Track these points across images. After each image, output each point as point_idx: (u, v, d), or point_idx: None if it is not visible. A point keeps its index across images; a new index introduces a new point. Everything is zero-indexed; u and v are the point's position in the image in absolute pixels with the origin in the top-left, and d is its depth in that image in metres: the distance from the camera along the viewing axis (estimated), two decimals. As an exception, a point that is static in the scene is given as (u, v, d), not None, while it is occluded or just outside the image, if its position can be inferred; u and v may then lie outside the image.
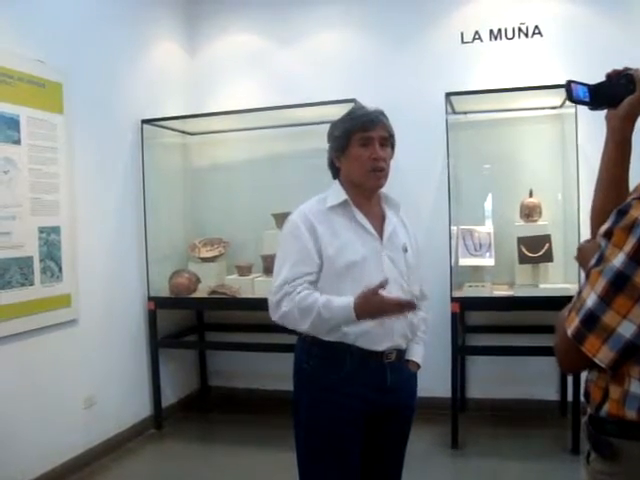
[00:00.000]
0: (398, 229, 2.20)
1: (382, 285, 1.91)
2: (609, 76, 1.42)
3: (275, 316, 2.07)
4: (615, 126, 1.39)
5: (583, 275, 1.20)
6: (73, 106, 3.79)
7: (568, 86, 1.42)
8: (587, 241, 1.29)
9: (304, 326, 2.02)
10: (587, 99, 1.43)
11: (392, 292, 2.06)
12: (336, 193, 2.15)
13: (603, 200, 1.20)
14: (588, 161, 3.56)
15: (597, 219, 1.22)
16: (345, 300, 1.96)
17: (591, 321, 1.14)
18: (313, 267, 2.05)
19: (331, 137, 2.18)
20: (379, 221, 2.17)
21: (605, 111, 1.42)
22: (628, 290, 1.10)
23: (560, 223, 4.33)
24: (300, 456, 2.16)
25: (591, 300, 1.15)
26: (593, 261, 1.17)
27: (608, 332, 1.12)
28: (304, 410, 2.12)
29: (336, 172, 2.21)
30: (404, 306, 1.94)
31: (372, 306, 1.93)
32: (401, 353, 2.15)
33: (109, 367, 4.11)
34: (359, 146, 2.09)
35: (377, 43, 4.78)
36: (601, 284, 1.13)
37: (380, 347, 2.06)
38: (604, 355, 1.14)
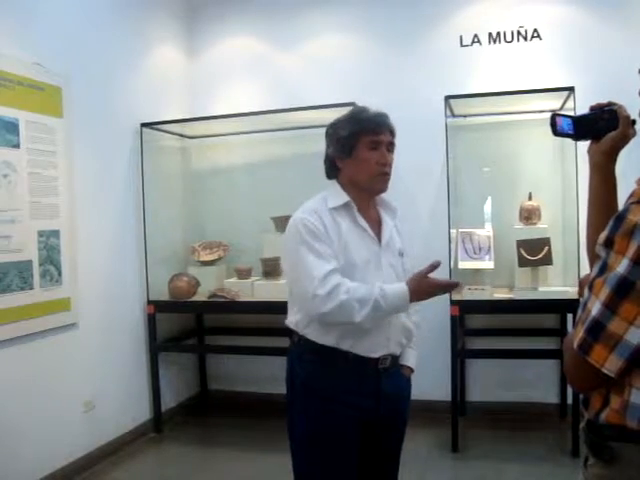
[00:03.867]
0: (394, 233, 2.20)
1: (435, 267, 1.99)
2: (593, 109, 1.43)
3: (325, 308, 1.91)
4: (598, 161, 1.40)
5: (586, 290, 1.18)
6: (72, 110, 3.79)
7: (553, 120, 1.44)
8: (588, 275, 1.25)
9: (359, 317, 1.91)
10: (571, 131, 1.45)
11: None
12: (337, 194, 2.11)
13: (597, 230, 1.19)
14: (587, 164, 3.57)
15: (593, 249, 1.21)
16: (398, 287, 1.97)
17: (596, 330, 1.12)
18: (338, 261, 2.00)
19: (334, 137, 2.12)
20: (376, 224, 2.16)
21: (588, 144, 1.44)
22: (633, 296, 1.08)
23: (559, 226, 4.33)
24: (295, 463, 2.15)
25: (596, 309, 1.12)
26: (595, 272, 1.15)
27: (615, 340, 1.10)
28: (298, 416, 2.11)
29: (334, 172, 2.17)
30: (451, 286, 2.05)
31: (425, 288, 1.97)
32: (395, 359, 2.14)
33: (109, 371, 4.11)
34: (368, 149, 2.05)
35: (376, 46, 4.78)
36: (605, 292, 1.11)
37: (375, 354, 2.05)
38: (612, 364, 1.11)
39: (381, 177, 2.09)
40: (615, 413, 1.18)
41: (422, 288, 1.95)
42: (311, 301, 1.94)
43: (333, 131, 2.14)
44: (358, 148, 2.07)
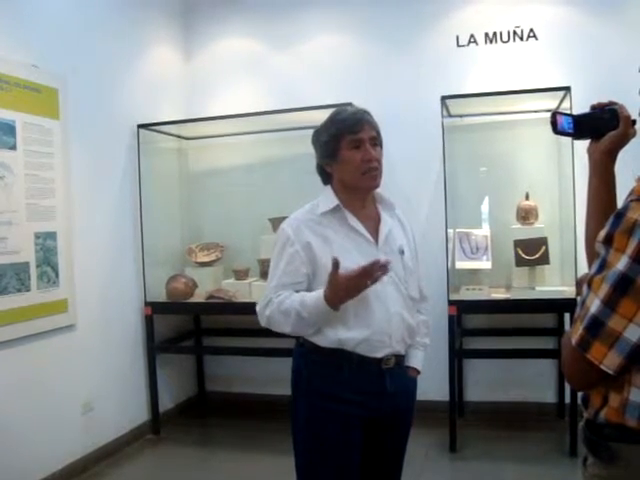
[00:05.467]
0: (394, 230, 2.17)
1: (335, 265, 1.86)
2: (593, 108, 1.44)
3: (262, 322, 2.11)
4: (597, 160, 1.40)
5: (585, 288, 1.18)
6: (69, 111, 3.78)
7: (553, 118, 1.43)
8: (586, 274, 1.26)
9: (288, 328, 2.02)
10: (571, 130, 1.45)
11: (389, 296, 2.05)
12: (327, 199, 2.12)
13: (596, 229, 1.19)
14: (584, 163, 3.57)
15: (592, 248, 1.21)
16: (315, 294, 1.95)
17: (595, 327, 1.12)
18: (299, 277, 2.05)
19: (317, 143, 2.14)
20: (374, 223, 2.13)
21: (585, 144, 1.45)
22: (633, 293, 1.08)
23: (556, 226, 4.33)
24: (298, 462, 2.14)
25: (595, 306, 1.12)
26: (594, 269, 1.15)
27: (614, 337, 1.10)
28: (302, 417, 2.11)
29: (327, 178, 2.17)
30: (372, 271, 1.86)
31: (340, 289, 1.89)
32: (400, 358, 2.13)
33: (106, 372, 4.10)
34: (350, 149, 2.04)
35: (373, 47, 4.78)
36: (604, 289, 1.11)
37: (379, 354, 2.04)
38: (611, 361, 1.11)
39: (369, 174, 2.07)
40: (614, 411, 1.18)
41: (336, 288, 1.89)
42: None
43: (316, 138, 2.15)
44: (341, 150, 2.06)
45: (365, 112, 2.11)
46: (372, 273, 1.87)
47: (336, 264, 1.87)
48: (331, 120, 2.12)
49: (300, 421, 2.12)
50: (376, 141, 2.09)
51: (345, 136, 2.05)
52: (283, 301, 2.01)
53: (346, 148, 2.06)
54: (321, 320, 1.99)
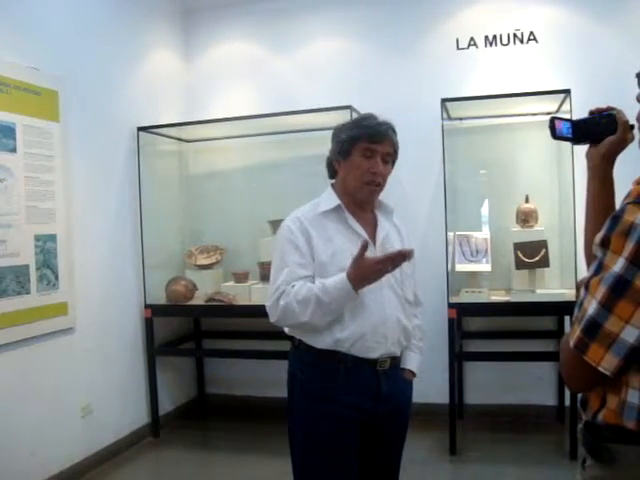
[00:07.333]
0: (391, 235, 2.20)
1: (365, 247, 1.91)
2: (592, 113, 1.45)
3: (274, 317, 2.04)
4: (596, 165, 1.41)
5: (582, 290, 1.18)
6: (69, 114, 3.79)
7: (552, 123, 1.45)
8: (585, 277, 1.27)
9: (305, 317, 1.97)
10: (570, 135, 1.46)
11: (386, 297, 2.06)
12: (329, 198, 2.15)
13: (594, 233, 1.20)
14: (584, 166, 3.56)
15: (590, 251, 1.21)
16: (338, 278, 1.95)
17: (593, 329, 1.13)
18: (310, 270, 2.05)
19: (335, 138, 2.16)
20: (372, 227, 2.17)
21: (584, 147, 1.46)
22: (630, 295, 1.09)
23: (556, 229, 4.33)
24: (295, 465, 2.15)
25: (592, 308, 1.13)
26: (591, 271, 1.16)
27: (611, 339, 1.11)
28: (298, 419, 2.12)
29: (333, 173, 2.21)
30: (397, 259, 1.91)
31: (366, 271, 1.92)
32: (395, 360, 2.14)
33: (106, 375, 4.10)
34: (361, 156, 2.07)
35: (373, 50, 4.78)
36: (601, 291, 1.12)
37: (374, 354, 2.05)
38: (608, 363, 1.12)
39: (369, 186, 2.10)
40: (612, 413, 1.18)
41: (362, 271, 1.91)
42: (267, 311, 2.07)
43: (336, 133, 2.18)
44: (353, 153, 2.09)
45: (391, 128, 2.13)
46: (395, 260, 1.91)
47: (365, 245, 1.91)
48: (356, 122, 2.15)
49: (296, 423, 2.13)
50: (389, 158, 2.12)
51: (362, 142, 2.07)
52: (299, 290, 1.98)
53: (358, 154, 2.08)
54: (341, 306, 1.97)
